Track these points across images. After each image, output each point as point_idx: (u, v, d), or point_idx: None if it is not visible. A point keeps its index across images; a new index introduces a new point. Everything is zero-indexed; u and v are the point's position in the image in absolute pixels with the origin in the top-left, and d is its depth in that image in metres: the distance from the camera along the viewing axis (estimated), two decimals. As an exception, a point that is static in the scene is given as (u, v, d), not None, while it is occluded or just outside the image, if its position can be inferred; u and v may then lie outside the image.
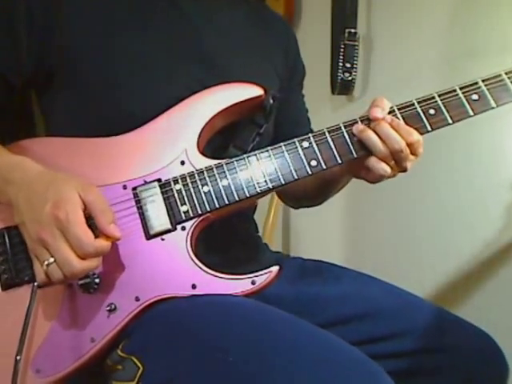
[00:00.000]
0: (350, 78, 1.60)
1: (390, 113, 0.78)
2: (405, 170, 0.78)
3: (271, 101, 0.83)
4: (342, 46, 1.58)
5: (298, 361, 0.59)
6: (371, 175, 0.79)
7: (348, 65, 1.59)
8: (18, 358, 0.66)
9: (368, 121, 0.78)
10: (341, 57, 1.58)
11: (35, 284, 0.68)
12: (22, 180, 0.68)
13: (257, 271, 0.72)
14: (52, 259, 0.63)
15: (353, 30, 1.59)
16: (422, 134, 0.77)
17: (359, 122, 0.78)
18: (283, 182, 0.76)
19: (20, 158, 0.72)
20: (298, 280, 0.90)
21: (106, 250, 0.66)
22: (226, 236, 0.85)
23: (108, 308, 0.70)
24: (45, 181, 0.68)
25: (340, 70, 1.59)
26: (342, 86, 1.61)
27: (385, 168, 0.76)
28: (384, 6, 1.62)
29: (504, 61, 1.30)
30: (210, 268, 0.72)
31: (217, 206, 0.74)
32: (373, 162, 0.77)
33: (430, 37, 1.49)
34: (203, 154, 0.77)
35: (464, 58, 1.41)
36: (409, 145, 0.75)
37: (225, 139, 0.84)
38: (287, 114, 0.99)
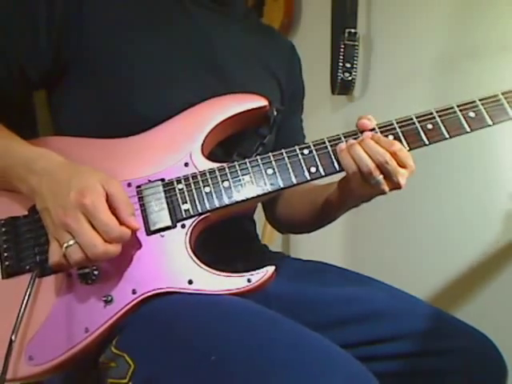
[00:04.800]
0: (350, 78, 1.60)
1: (388, 126, 0.80)
2: (399, 187, 0.78)
3: (275, 112, 0.86)
4: (342, 46, 1.59)
5: (281, 362, 0.59)
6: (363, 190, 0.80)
7: (348, 65, 1.59)
8: (13, 337, 0.66)
9: (356, 135, 0.80)
10: (341, 57, 1.59)
11: (35, 272, 0.70)
12: (44, 169, 0.70)
13: (253, 270, 0.73)
14: (72, 241, 0.65)
15: (353, 30, 1.60)
16: (419, 147, 0.79)
17: (343, 139, 0.80)
18: (282, 186, 0.78)
19: (44, 150, 0.74)
20: (300, 280, 0.91)
21: (127, 237, 0.69)
22: (225, 234, 0.85)
23: (104, 299, 0.71)
24: (68, 170, 0.70)
25: (340, 70, 1.59)
26: (342, 86, 1.62)
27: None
28: (384, 6, 1.62)
29: (504, 61, 1.31)
30: (208, 266, 0.73)
31: (217, 205, 0.76)
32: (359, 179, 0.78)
33: (429, 37, 1.49)
34: (207, 158, 0.80)
35: (464, 57, 1.40)
36: (392, 154, 0.76)
37: (229, 148, 0.86)
38: (284, 137, 1.00)
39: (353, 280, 0.92)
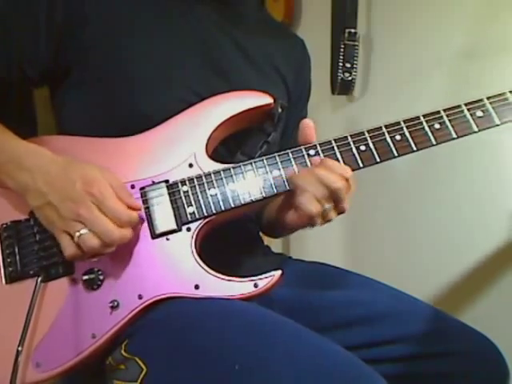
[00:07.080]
0: (350, 78, 1.60)
1: (395, 126, 0.79)
2: (343, 211, 0.77)
3: (280, 110, 0.85)
4: (342, 46, 1.58)
5: (293, 370, 0.60)
6: (298, 216, 0.78)
7: (348, 65, 1.59)
8: (20, 349, 0.66)
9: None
10: (341, 57, 1.58)
11: (39, 279, 0.70)
12: (36, 166, 0.70)
13: (259, 274, 0.72)
14: (85, 230, 0.66)
15: (353, 30, 1.59)
16: (426, 147, 0.79)
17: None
18: (288, 188, 0.77)
19: (34, 146, 0.74)
20: (301, 284, 0.91)
21: (136, 220, 0.71)
22: (227, 234, 0.85)
23: (111, 305, 0.70)
24: (58, 164, 0.71)
25: (340, 70, 1.59)
26: (342, 86, 1.61)
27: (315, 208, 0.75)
28: (384, 6, 1.62)
29: (504, 61, 1.31)
30: (212, 269, 0.73)
31: (222, 208, 0.75)
32: (303, 200, 0.75)
33: (429, 37, 1.49)
34: (211, 158, 0.78)
35: (464, 57, 1.40)
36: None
37: (233, 146, 0.85)
38: (290, 137, 1.00)
39: (353, 282, 0.91)
